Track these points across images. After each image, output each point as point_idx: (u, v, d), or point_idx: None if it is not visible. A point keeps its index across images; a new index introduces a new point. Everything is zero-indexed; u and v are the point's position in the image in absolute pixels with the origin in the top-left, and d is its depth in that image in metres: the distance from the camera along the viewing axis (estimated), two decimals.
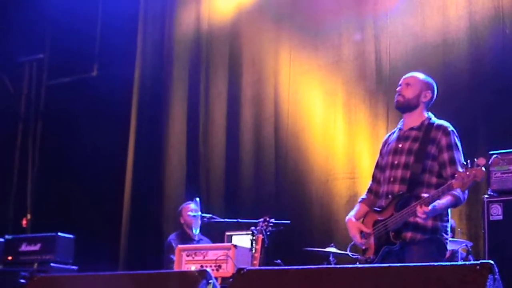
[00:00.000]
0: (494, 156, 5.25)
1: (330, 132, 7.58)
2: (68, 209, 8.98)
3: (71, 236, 7.79)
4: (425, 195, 4.08)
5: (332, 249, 6.13)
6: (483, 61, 6.63)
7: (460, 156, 4.30)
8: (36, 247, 7.64)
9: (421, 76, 4.62)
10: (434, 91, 4.56)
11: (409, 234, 4.25)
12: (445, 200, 4.12)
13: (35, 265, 7.49)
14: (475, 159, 3.89)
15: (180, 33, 9.06)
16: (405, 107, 4.52)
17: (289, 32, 8.12)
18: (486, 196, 5.17)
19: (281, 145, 7.91)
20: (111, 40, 9.44)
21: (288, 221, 6.07)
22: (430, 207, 4.03)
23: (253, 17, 8.43)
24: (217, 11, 8.77)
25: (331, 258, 6.17)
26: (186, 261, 6.32)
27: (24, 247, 7.73)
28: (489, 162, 5.24)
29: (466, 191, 4.16)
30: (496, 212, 5.03)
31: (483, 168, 3.89)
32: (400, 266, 2.48)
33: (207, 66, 8.70)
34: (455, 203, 4.21)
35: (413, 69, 6.96)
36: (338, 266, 5.05)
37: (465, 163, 3.95)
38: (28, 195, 9.74)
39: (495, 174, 5.18)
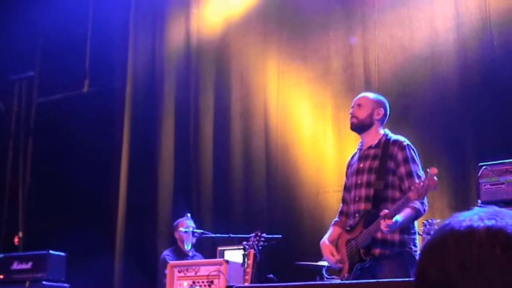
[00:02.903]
0: (484, 167, 5.26)
1: (320, 145, 7.59)
2: (60, 226, 8.94)
3: (63, 254, 7.76)
4: (387, 210, 4.19)
5: (324, 263, 6.12)
6: (472, 73, 6.65)
7: (417, 169, 4.43)
8: (28, 265, 7.61)
9: (371, 95, 4.79)
10: (386, 108, 4.71)
11: (377, 250, 4.36)
12: (405, 213, 4.25)
13: (27, 284, 7.46)
14: (428, 169, 4.03)
15: (170, 48, 9.07)
16: (360, 128, 4.69)
17: (277, 45, 8.14)
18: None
19: (271, 159, 7.90)
20: (101, 56, 9.44)
21: (280, 235, 6.07)
22: (392, 220, 4.13)
23: (241, 31, 8.45)
24: (206, 26, 8.79)
25: (323, 272, 6.16)
26: (178, 277, 6.31)
27: (15, 266, 7.69)
28: (479, 174, 5.26)
29: (426, 203, 4.29)
30: None
31: (435, 177, 4.06)
32: (371, 282, 2.48)
33: (197, 81, 8.71)
34: (415, 215, 4.34)
35: (402, 81, 7.05)
36: (320, 282, 5.12)
37: (420, 174, 4.08)
38: (20, 213, 9.70)
39: (484, 185, 5.18)
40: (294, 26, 8.02)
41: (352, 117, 4.77)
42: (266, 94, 8.13)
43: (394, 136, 4.68)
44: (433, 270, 1.15)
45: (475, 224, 1.14)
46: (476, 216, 1.17)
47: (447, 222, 1.19)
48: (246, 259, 5.60)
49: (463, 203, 5.52)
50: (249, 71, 8.33)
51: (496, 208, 1.19)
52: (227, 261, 6.14)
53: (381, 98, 4.84)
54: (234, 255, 6.80)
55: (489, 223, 1.14)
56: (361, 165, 4.67)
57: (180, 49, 8.97)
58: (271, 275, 6.10)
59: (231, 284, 5.18)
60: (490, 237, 1.12)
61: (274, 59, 8.16)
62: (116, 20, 9.42)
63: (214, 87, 8.56)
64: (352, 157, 4.90)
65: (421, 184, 4.06)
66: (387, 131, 4.74)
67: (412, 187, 4.12)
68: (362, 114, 4.72)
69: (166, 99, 8.93)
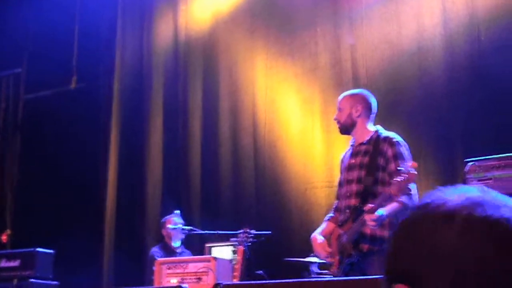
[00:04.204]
0: (471, 163, 5.27)
1: (308, 141, 7.59)
2: (49, 223, 8.92)
3: (51, 251, 7.72)
4: (370, 205, 4.22)
5: (313, 259, 6.12)
6: (459, 68, 6.66)
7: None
8: (16, 263, 7.57)
9: (347, 94, 4.83)
10: (366, 102, 4.72)
11: (366, 246, 4.39)
12: (391, 207, 4.26)
13: (15, 281, 7.43)
14: (408, 163, 4.06)
15: (158, 44, 9.04)
16: (345, 130, 4.75)
17: (265, 41, 8.13)
18: None
19: (260, 155, 7.90)
20: (89, 52, 9.40)
21: (269, 232, 6.07)
22: (376, 214, 4.16)
23: (229, 27, 8.44)
24: (194, 22, 8.77)
25: (312, 268, 6.16)
26: (166, 274, 6.29)
27: (3, 263, 7.65)
28: (466, 170, 5.27)
29: (417, 198, 4.30)
30: None
31: (414, 171, 4.11)
32: (360, 278, 2.49)
33: (185, 77, 8.69)
34: (403, 209, 4.34)
35: (390, 77, 7.05)
36: (308, 279, 5.14)
37: (400, 169, 4.10)
38: (8, 210, 9.66)
39: (471, 181, 5.19)
40: (282, 22, 8.01)
41: (337, 122, 4.84)
42: (254, 90, 8.12)
43: (385, 133, 4.70)
44: (399, 255, 1.10)
45: (456, 208, 1.07)
46: (459, 198, 1.09)
47: (427, 199, 1.12)
48: (235, 255, 5.60)
49: None
50: (237, 67, 8.32)
51: (486, 190, 1.11)
52: (215, 258, 6.13)
53: (359, 93, 4.88)
54: (222, 251, 6.80)
55: (473, 210, 1.06)
56: (353, 161, 4.71)
57: (168, 45, 8.94)
58: (260, 272, 6.10)
59: (219, 281, 5.17)
60: (469, 225, 1.05)
61: (262, 55, 8.15)
62: (103, 16, 9.38)
63: (203, 83, 8.55)
64: (345, 153, 4.92)
65: (401, 178, 4.08)
66: (379, 127, 4.76)
67: (392, 182, 4.15)
68: (342, 117, 4.79)
69: (154, 95, 8.91)
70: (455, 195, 1.10)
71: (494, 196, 1.10)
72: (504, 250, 1.02)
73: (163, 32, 9.04)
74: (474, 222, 1.05)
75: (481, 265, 1.02)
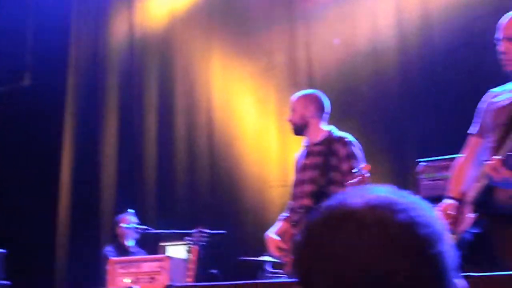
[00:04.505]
0: (422, 164, 5.33)
1: (264, 140, 7.61)
2: (1, 222, 8.78)
3: (2, 250, 7.60)
4: None
5: (267, 258, 6.14)
6: (412, 69, 6.73)
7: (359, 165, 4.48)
8: None
9: (300, 94, 4.84)
10: (318, 102, 4.75)
11: None
12: None
13: None
14: (361, 165, 4.10)
15: (113, 41, 8.97)
16: (298, 131, 4.76)
17: (221, 40, 8.13)
18: None
19: (215, 154, 7.89)
20: (42, 49, 9.27)
21: (223, 231, 6.06)
22: None
23: (185, 25, 8.41)
24: (150, 19, 8.72)
25: (266, 267, 6.18)
26: (119, 273, 6.24)
27: None
28: (417, 170, 5.33)
29: None
30: None
31: (367, 173, 4.13)
32: None
33: (140, 74, 8.64)
34: None
35: (345, 77, 7.09)
36: (262, 281, 5.16)
37: (354, 171, 4.14)
38: None
39: (423, 181, 5.25)
40: (238, 21, 8.01)
41: (290, 123, 4.86)
42: (210, 89, 8.11)
43: (338, 133, 4.73)
44: (299, 258, 1.10)
45: (353, 210, 1.06)
46: (360, 199, 1.08)
47: (330, 201, 1.11)
48: (189, 255, 5.58)
49: None
50: (193, 65, 8.30)
51: (395, 191, 1.10)
52: (169, 257, 6.10)
53: (312, 93, 4.90)
54: (177, 251, 6.77)
55: (371, 211, 1.05)
56: (306, 162, 4.73)
57: (123, 42, 8.88)
58: (215, 271, 6.10)
59: (171, 282, 5.15)
60: (361, 227, 1.04)
61: (218, 54, 8.14)
62: (57, 12, 9.25)
63: (158, 81, 8.51)
64: (299, 154, 4.94)
65: (355, 181, 4.12)
66: (332, 128, 4.79)
67: (346, 185, 4.18)
68: (295, 119, 4.81)
69: (109, 93, 8.84)
70: (357, 196, 1.09)
71: (400, 197, 1.09)
72: (390, 251, 1.02)
73: (118, 29, 8.97)
74: (367, 224, 1.04)
75: (365, 267, 1.01)
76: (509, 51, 3.45)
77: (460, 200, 3.42)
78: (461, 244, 3.34)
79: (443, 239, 1.06)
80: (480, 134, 3.60)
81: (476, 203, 3.30)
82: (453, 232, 3.40)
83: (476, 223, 3.30)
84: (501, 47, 3.47)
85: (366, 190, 1.11)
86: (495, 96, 3.59)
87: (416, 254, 1.02)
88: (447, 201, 3.46)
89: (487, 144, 3.47)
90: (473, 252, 3.34)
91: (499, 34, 3.50)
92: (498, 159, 3.09)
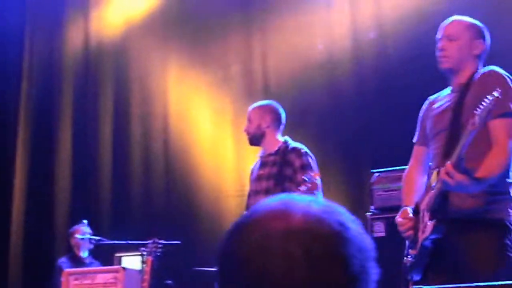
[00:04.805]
0: (376, 174, 5.38)
1: (220, 150, 7.60)
2: None
3: None
4: None
5: None
6: (367, 80, 6.78)
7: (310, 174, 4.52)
8: None
9: (256, 105, 4.87)
10: (275, 113, 4.79)
11: None
12: None
13: None
14: (311, 173, 4.15)
15: (69, 49, 8.88)
16: (254, 141, 4.79)
17: (177, 49, 8.11)
18: (369, 213, 5.28)
19: (171, 164, 7.87)
20: None
21: (178, 241, 6.03)
22: None
23: (141, 34, 8.36)
24: (106, 28, 8.65)
25: None
26: (74, 285, 6.17)
27: None
28: (372, 181, 5.38)
29: None
30: (379, 229, 5.15)
31: (316, 180, 4.25)
32: None
33: (95, 84, 8.57)
34: None
35: (300, 88, 7.13)
36: None
37: (304, 179, 4.18)
38: None
39: (377, 192, 5.30)
40: (195, 31, 7.99)
41: (246, 133, 4.87)
42: (166, 99, 8.09)
43: (292, 144, 4.77)
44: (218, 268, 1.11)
45: (258, 219, 1.07)
46: (267, 208, 1.08)
47: (248, 211, 1.11)
48: (143, 265, 5.55)
49: (359, 209, 5.61)
50: (149, 75, 8.26)
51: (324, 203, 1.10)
52: (124, 268, 6.05)
53: (268, 104, 4.94)
54: (131, 261, 6.72)
55: (273, 220, 1.05)
56: (261, 172, 4.76)
57: (78, 51, 8.80)
58: (170, 281, 6.06)
59: None
60: (264, 237, 1.04)
61: (175, 63, 8.12)
62: (11, 20, 9.13)
63: (114, 89, 8.45)
64: (255, 164, 4.96)
65: (305, 188, 4.16)
66: (287, 138, 4.83)
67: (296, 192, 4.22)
68: (252, 128, 4.84)
69: (63, 101, 8.75)
70: (267, 204, 1.10)
71: (319, 207, 1.08)
72: (292, 260, 1.02)
73: (73, 38, 8.88)
74: (268, 234, 1.04)
75: (267, 276, 1.02)
76: (446, 48, 3.53)
77: (415, 208, 3.46)
78: (422, 252, 3.38)
79: (351, 244, 1.06)
80: (422, 142, 3.67)
81: (433, 210, 3.34)
82: (412, 240, 3.43)
83: (435, 230, 3.33)
84: (440, 44, 3.55)
85: (284, 199, 1.11)
86: (433, 103, 3.67)
87: (321, 266, 1.02)
88: (404, 211, 3.50)
89: (431, 151, 3.53)
90: (435, 259, 3.38)
91: (439, 34, 3.59)
92: (450, 163, 3.12)
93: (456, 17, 3.65)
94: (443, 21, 3.72)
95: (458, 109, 3.39)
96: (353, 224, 1.08)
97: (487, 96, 3.08)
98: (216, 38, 7.81)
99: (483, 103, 3.07)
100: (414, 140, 3.75)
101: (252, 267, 1.03)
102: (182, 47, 8.08)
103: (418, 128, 3.72)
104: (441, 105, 3.58)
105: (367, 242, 1.09)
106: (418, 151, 3.71)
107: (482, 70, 3.50)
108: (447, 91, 3.62)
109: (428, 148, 3.60)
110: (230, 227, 1.12)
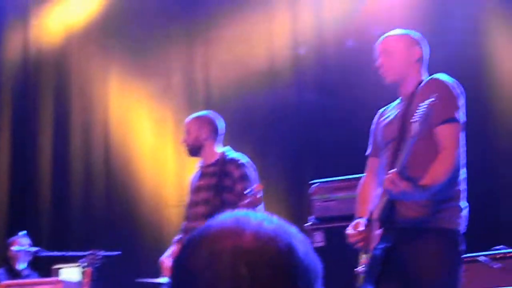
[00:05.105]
0: (316, 184, 5.43)
1: (161, 161, 7.58)
2: None
3: None
4: None
5: (164, 280, 6.08)
6: (308, 91, 6.84)
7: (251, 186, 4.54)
8: None
9: (194, 116, 4.91)
10: (212, 123, 4.82)
11: None
12: None
13: None
14: (254, 186, 4.17)
15: (7, 58, 8.72)
16: (193, 152, 4.79)
17: (119, 58, 8.05)
18: (308, 223, 5.32)
19: (112, 174, 7.80)
20: None
21: (118, 252, 5.98)
22: None
23: (82, 42, 8.28)
24: (46, 35, 8.53)
25: None
26: None
27: None
28: (310, 191, 5.42)
29: None
30: (318, 239, 5.19)
31: (259, 194, 4.21)
32: None
33: (35, 92, 8.44)
34: None
35: (242, 97, 7.15)
36: None
37: (246, 192, 4.19)
38: None
39: (316, 202, 5.34)
40: (136, 40, 7.95)
41: (184, 145, 4.87)
42: (107, 108, 8.02)
43: (232, 154, 4.77)
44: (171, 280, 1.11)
45: (207, 235, 1.08)
46: (218, 224, 1.09)
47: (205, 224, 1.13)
48: (82, 277, 5.49)
49: (300, 220, 5.65)
50: (90, 84, 8.18)
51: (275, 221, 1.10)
52: (62, 281, 5.97)
53: (206, 115, 4.94)
54: (71, 273, 6.63)
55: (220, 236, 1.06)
56: (200, 183, 4.76)
57: (17, 60, 8.65)
58: None
59: None
60: (212, 252, 1.05)
61: (116, 72, 8.06)
62: None
63: (54, 98, 8.34)
64: (194, 175, 4.95)
65: (247, 201, 4.17)
66: (227, 149, 4.83)
67: (239, 205, 4.22)
68: (190, 140, 4.83)
69: (1, 110, 8.59)
70: (221, 221, 1.11)
71: (256, 221, 1.09)
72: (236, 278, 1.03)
73: (13, 46, 8.73)
74: (217, 251, 1.05)
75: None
76: (385, 63, 3.59)
77: (369, 219, 3.48)
78: (373, 261, 3.40)
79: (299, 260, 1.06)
80: (375, 153, 3.68)
81: (381, 219, 3.36)
82: (365, 251, 3.46)
83: (383, 239, 3.36)
84: (378, 62, 3.61)
85: (237, 216, 1.11)
86: (383, 114, 3.70)
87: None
88: (356, 222, 3.51)
89: (382, 162, 3.56)
90: (385, 267, 3.40)
91: (376, 52, 3.65)
92: (394, 172, 3.15)
93: (389, 33, 3.70)
94: (382, 30, 3.78)
95: (404, 119, 3.42)
96: (302, 245, 1.08)
97: (421, 104, 3.13)
98: (158, 48, 7.79)
99: (418, 110, 3.12)
100: (367, 152, 3.76)
101: (200, 284, 1.04)
102: (124, 56, 8.03)
103: (370, 140, 3.74)
104: (389, 116, 3.61)
105: (316, 263, 1.09)
106: (371, 163, 3.73)
107: (427, 78, 3.54)
108: (397, 101, 3.66)
109: (380, 159, 3.61)
110: (185, 241, 1.12)
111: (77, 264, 6.06)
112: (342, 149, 6.34)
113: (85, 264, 5.46)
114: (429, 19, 6.21)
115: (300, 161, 6.66)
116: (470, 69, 5.95)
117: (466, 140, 3.42)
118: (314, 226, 5.26)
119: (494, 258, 4.58)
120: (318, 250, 4.65)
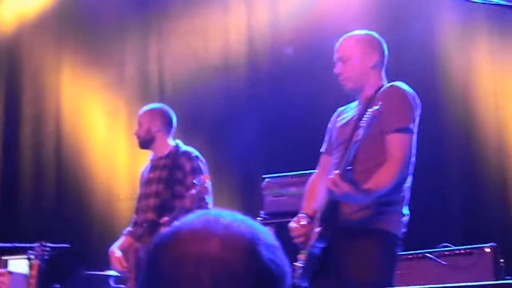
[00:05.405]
0: (267, 180, 5.44)
1: (113, 152, 7.52)
2: None
3: None
4: (166, 218, 4.31)
5: (112, 272, 6.06)
6: (262, 85, 6.85)
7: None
8: None
9: (147, 108, 4.95)
10: (165, 116, 4.87)
11: None
12: None
13: None
14: (201, 176, 4.21)
15: None
16: (145, 145, 4.82)
17: (72, 48, 7.96)
18: (259, 218, 5.33)
19: (63, 165, 7.71)
20: None
21: (67, 245, 5.94)
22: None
23: (34, 31, 8.16)
24: None
25: (110, 282, 6.10)
26: None
27: None
28: (262, 186, 5.43)
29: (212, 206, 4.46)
30: None
31: (206, 184, 4.26)
32: None
33: None
34: None
35: (196, 91, 7.13)
36: None
37: (194, 182, 4.22)
38: None
39: (267, 197, 5.36)
40: (90, 30, 7.87)
41: (136, 137, 4.87)
42: (59, 98, 7.92)
43: (184, 147, 4.79)
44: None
45: (175, 236, 1.07)
46: (186, 225, 1.08)
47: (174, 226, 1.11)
48: (30, 269, 5.44)
49: (251, 214, 5.65)
50: (42, 73, 8.07)
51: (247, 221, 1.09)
52: (10, 272, 5.90)
53: (158, 108, 4.95)
54: (19, 265, 6.55)
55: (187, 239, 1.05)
56: (151, 175, 4.77)
57: None
58: (57, 285, 5.97)
59: None
60: (178, 255, 1.04)
61: (69, 62, 7.97)
62: None
63: (4, 87, 8.21)
64: (145, 168, 4.95)
65: (194, 191, 4.18)
66: (178, 142, 4.84)
67: (186, 195, 4.24)
68: (142, 132, 4.84)
69: None
70: (189, 222, 1.09)
71: (225, 222, 1.08)
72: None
73: None
74: (182, 256, 1.04)
75: None
76: (342, 71, 3.58)
77: (312, 216, 3.50)
78: (310, 259, 3.42)
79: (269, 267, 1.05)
80: (328, 152, 3.70)
81: (321, 218, 3.39)
82: (303, 246, 3.48)
83: (320, 237, 3.38)
84: (336, 69, 3.61)
85: (207, 217, 1.09)
86: (341, 114, 3.72)
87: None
88: (299, 217, 3.53)
89: (334, 161, 3.57)
90: (322, 266, 3.42)
91: (334, 56, 3.65)
92: (337, 173, 3.17)
93: (346, 35, 3.67)
94: (337, 27, 3.79)
95: (358, 122, 3.44)
96: (269, 251, 1.06)
97: (369, 109, 3.15)
98: (112, 38, 7.72)
99: (365, 115, 3.14)
100: (322, 149, 3.78)
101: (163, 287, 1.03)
102: (77, 46, 7.94)
103: (326, 138, 3.76)
104: (346, 117, 3.63)
105: (282, 267, 1.07)
106: (324, 160, 3.75)
107: (386, 85, 3.55)
108: (356, 102, 3.66)
109: (332, 157, 3.63)
110: (155, 241, 1.11)
111: (25, 256, 5.99)
112: (296, 144, 6.36)
113: (33, 256, 5.41)
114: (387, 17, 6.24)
115: (253, 156, 6.66)
116: (426, 70, 6.02)
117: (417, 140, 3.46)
118: (265, 221, 5.28)
119: (441, 255, 4.66)
120: None
